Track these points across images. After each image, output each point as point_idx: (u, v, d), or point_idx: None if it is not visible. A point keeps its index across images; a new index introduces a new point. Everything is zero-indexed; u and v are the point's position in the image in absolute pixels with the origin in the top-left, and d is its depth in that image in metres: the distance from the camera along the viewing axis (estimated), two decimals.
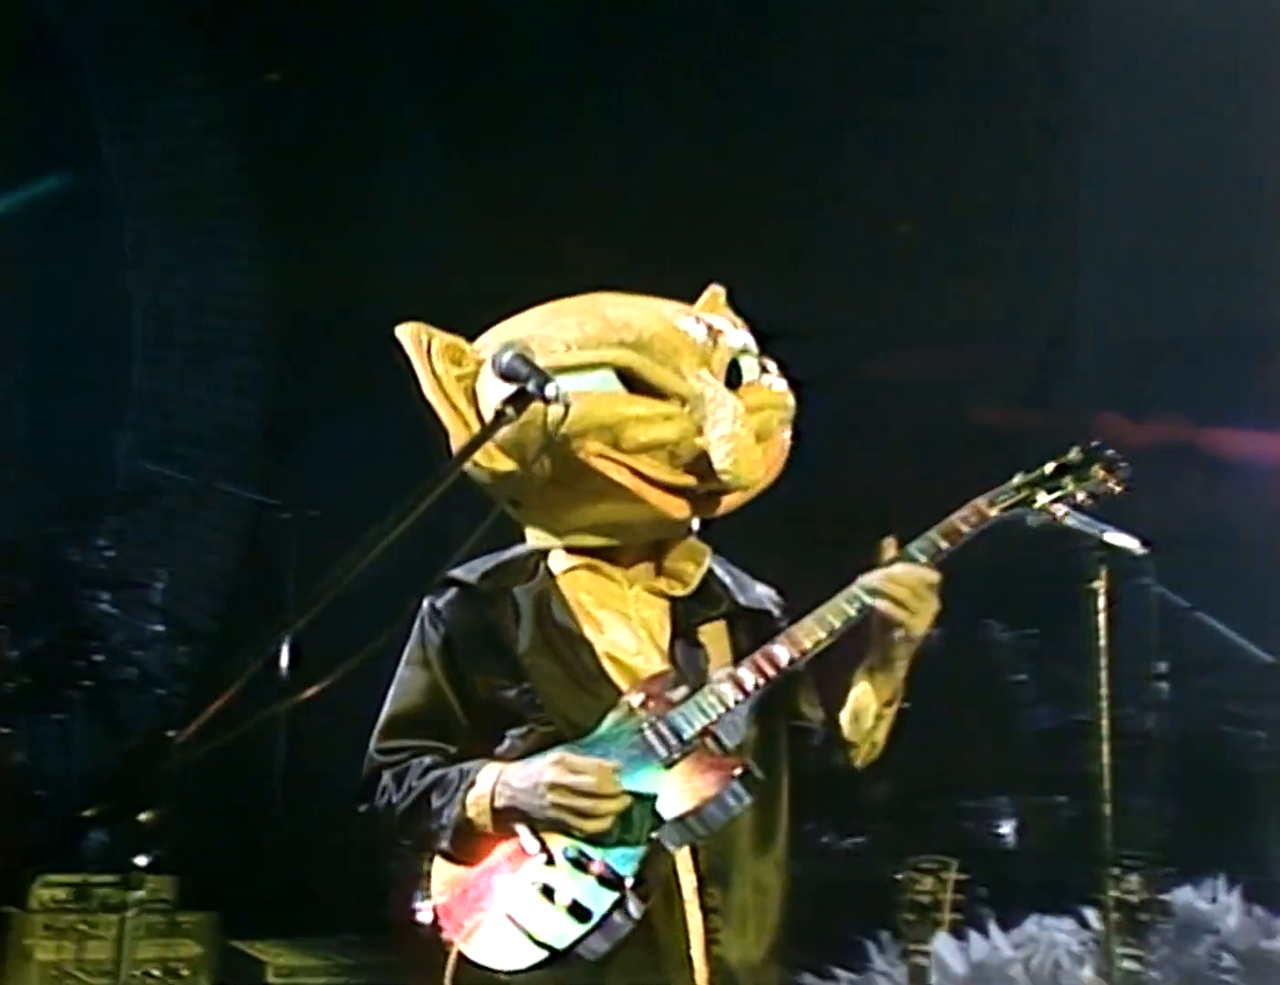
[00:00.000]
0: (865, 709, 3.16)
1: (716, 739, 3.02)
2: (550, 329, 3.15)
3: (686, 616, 3.16)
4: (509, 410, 2.88)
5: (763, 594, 3.31)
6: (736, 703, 3.02)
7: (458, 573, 3.17)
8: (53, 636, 6.59)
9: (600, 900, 2.94)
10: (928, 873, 3.50)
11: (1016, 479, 3.17)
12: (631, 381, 3.09)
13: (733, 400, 3.09)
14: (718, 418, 3.07)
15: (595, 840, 2.95)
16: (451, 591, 3.16)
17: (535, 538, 3.22)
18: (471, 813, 3.00)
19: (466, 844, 3.03)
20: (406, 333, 3.16)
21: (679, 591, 3.18)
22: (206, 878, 5.59)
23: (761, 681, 3.03)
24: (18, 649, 6.34)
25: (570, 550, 3.18)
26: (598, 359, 3.10)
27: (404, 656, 3.17)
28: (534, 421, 3.02)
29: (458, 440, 3.12)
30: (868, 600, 3.05)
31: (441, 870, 3.06)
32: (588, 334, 3.13)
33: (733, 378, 3.18)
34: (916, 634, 3.09)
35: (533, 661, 3.10)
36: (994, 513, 3.14)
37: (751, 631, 3.17)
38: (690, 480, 3.09)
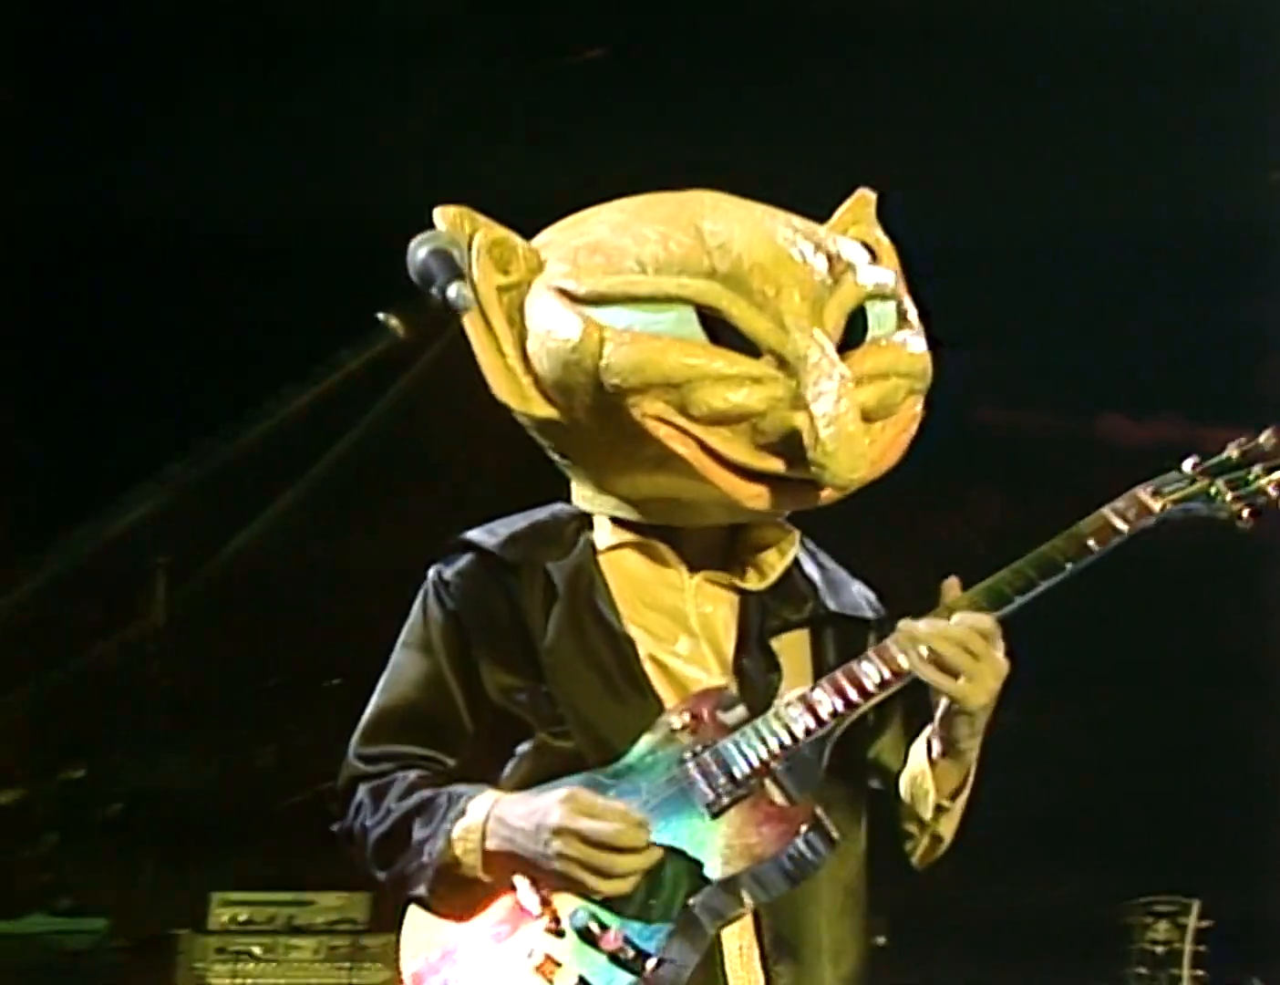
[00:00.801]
0: (923, 796, 2.46)
1: (778, 780, 2.33)
2: (626, 238, 2.45)
3: (760, 618, 2.48)
4: (392, 322, 2.08)
5: (860, 597, 2.59)
6: (807, 734, 2.33)
7: (475, 534, 2.51)
8: None
9: (612, 983, 2.28)
10: (1163, 916, 2.97)
11: (1188, 464, 2.44)
12: (716, 326, 2.39)
13: (840, 370, 2.37)
14: (820, 390, 2.35)
15: (613, 905, 2.29)
16: (466, 558, 2.50)
17: (582, 500, 2.54)
18: (458, 850, 2.33)
19: (451, 892, 2.36)
20: (445, 217, 2.44)
21: (753, 585, 2.51)
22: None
23: (842, 707, 2.33)
24: None
25: (620, 523, 2.50)
26: (677, 291, 2.38)
27: (401, 637, 2.52)
28: (581, 362, 2.36)
29: (490, 372, 2.43)
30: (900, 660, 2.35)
31: (417, 923, 2.41)
32: (670, 253, 2.41)
33: (856, 331, 2.46)
34: (972, 706, 2.34)
35: (557, 658, 2.43)
36: (1159, 505, 2.41)
37: (842, 645, 2.48)
38: (776, 464, 2.39)
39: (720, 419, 2.36)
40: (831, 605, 2.52)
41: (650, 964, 2.24)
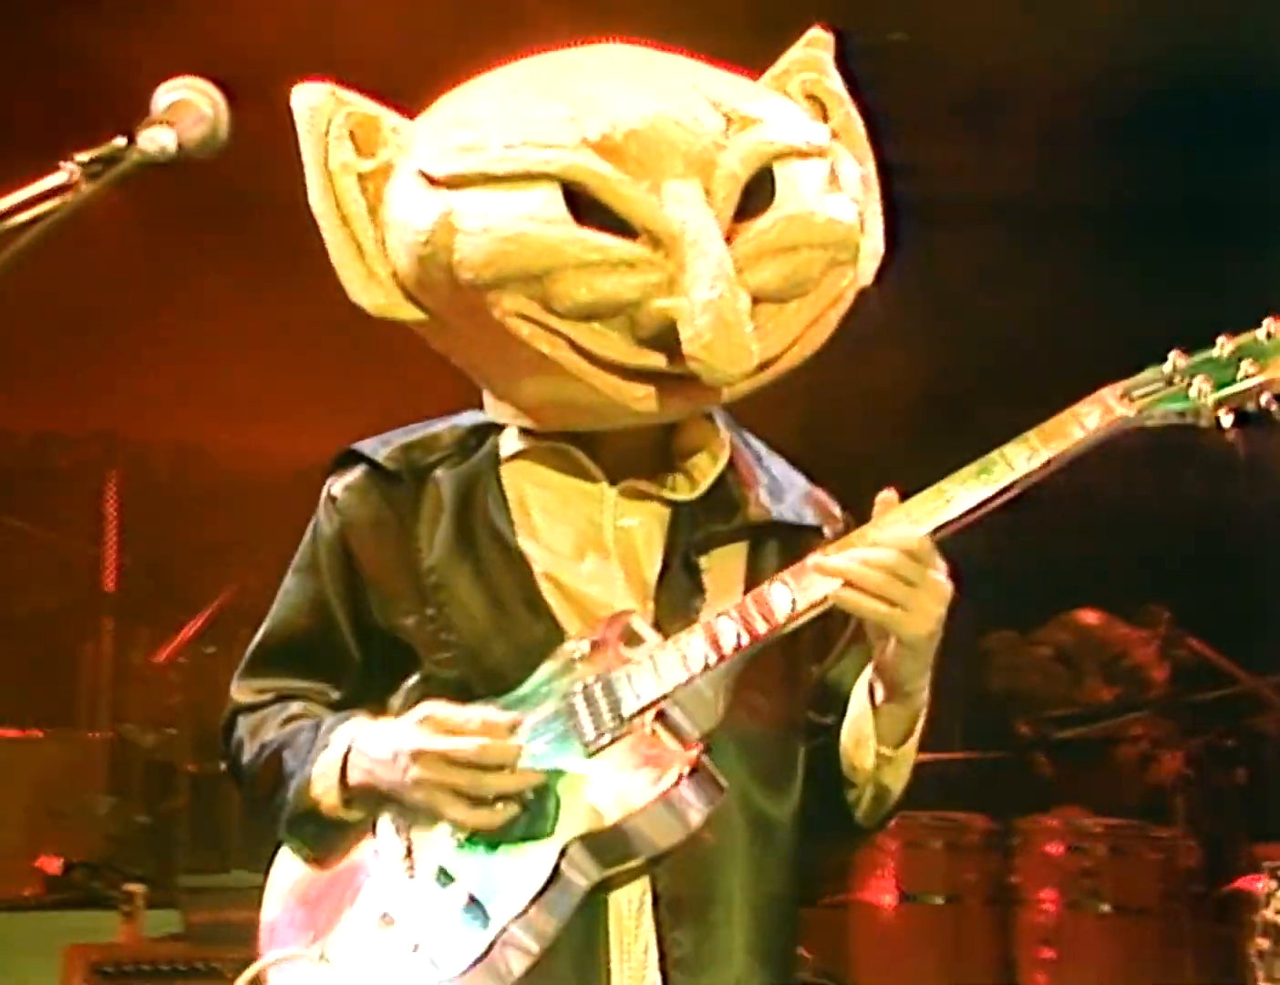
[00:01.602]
0: (864, 742, 2.14)
1: (667, 719, 2.03)
2: (497, 108, 2.17)
3: (688, 532, 2.18)
4: (74, 170, 1.72)
5: (811, 503, 2.26)
6: (705, 668, 2.03)
7: (365, 444, 2.27)
8: None
9: (459, 943, 2.00)
10: None
11: (1169, 362, 2.05)
12: (582, 204, 2.07)
13: (717, 247, 2.04)
14: (697, 271, 2.04)
15: (478, 853, 2.02)
16: (357, 471, 2.25)
17: (488, 406, 2.27)
18: (318, 789, 2.11)
19: (316, 835, 2.14)
20: (305, 97, 2.17)
21: (683, 496, 2.21)
22: None
23: (747, 640, 2.03)
24: None
25: (528, 431, 2.23)
26: (539, 166, 2.07)
27: (293, 562, 2.28)
28: (435, 256, 2.10)
29: (342, 270, 2.16)
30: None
31: (283, 868, 2.19)
32: (537, 123, 2.11)
33: (759, 198, 2.13)
34: (910, 637, 2.02)
35: (442, 576, 2.17)
36: (1127, 410, 2.03)
37: (785, 560, 2.14)
38: (658, 360, 2.09)
39: (588, 312, 2.07)
40: (773, 513, 2.20)
41: (508, 917, 1.96)
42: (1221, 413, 2.02)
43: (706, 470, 2.21)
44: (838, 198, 2.18)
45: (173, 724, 6.19)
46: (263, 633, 2.28)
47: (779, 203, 2.13)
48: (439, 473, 2.22)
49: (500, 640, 2.14)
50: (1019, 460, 2.02)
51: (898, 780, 2.15)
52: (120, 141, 1.77)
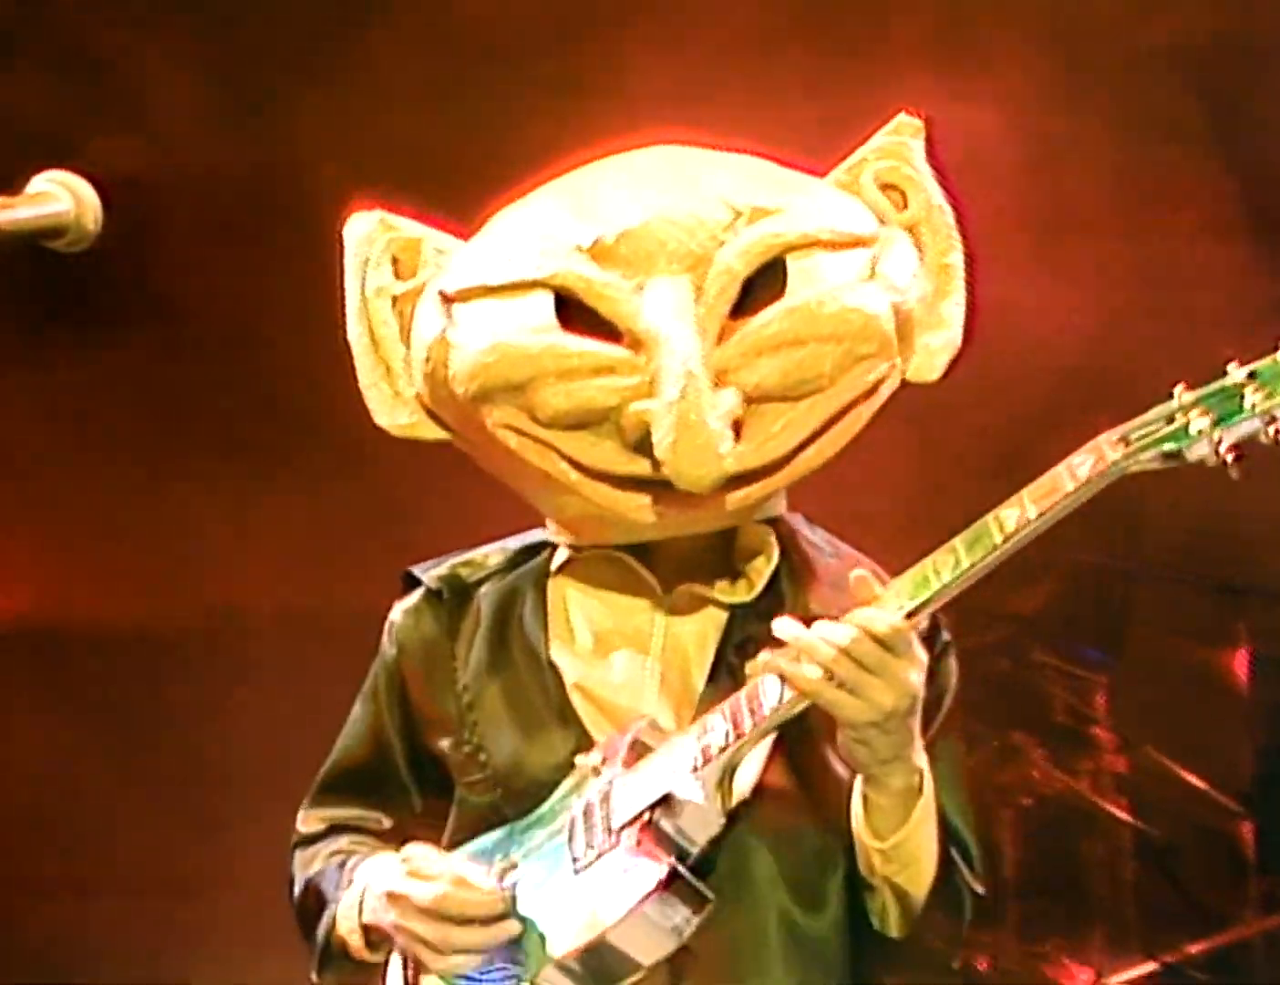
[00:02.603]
0: (859, 838, 2.01)
1: (657, 830, 1.92)
2: (514, 218, 2.18)
3: (739, 634, 2.09)
4: None
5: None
6: (695, 768, 1.94)
7: (421, 566, 2.25)
8: None
9: None
10: None
11: (1174, 398, 1.87)
12: (572, 310, 2.05)
13: (687, 346, 1.98)
14: (664, 371, 1.97)
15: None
16: (416, 594, 2.23)
17: (548, 524, 2.25)
18: (343, 929, 2.07)
19: (350, 973, 2.11)
20: (355, 227, 2.19)
21: (740, 598, 2.11)
22: None
23: (732, 738, 1.93)
24: None
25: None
26: (531, 274, 2.06)
27: (361, 690, 2.29)
28: (435, 373, 2.10)
29: (366, 392, 2.17)
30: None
31: None
32: (538, 232, 2.11)
33: (774, 293, 2.05)
34: (857, 723, 1.89)
35: (475, 695, 2.13)
36: (1118, 455, 1.86)
37: None
38: (644, 466, 2.02)
39: (573, 420, 2.02)
40: (814, 608, 2.04)
41: None
42: (1221, 449, 1.82)
43: (763, 569, 2.11)
44: (866, 288, 2.06)
45: None
46: (328, 762, 2.27)
47: (786, 295, 2.03)
48: (483, 590, 2.18)
49: (531, 758, 2.08)
50: (1010, 522, 1.87)
51: (910, 881, 1.99)
52: None
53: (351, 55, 4.51)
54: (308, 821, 2.24)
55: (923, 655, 1.92)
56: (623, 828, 1.94)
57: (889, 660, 1.87)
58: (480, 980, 1.98)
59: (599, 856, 1.95)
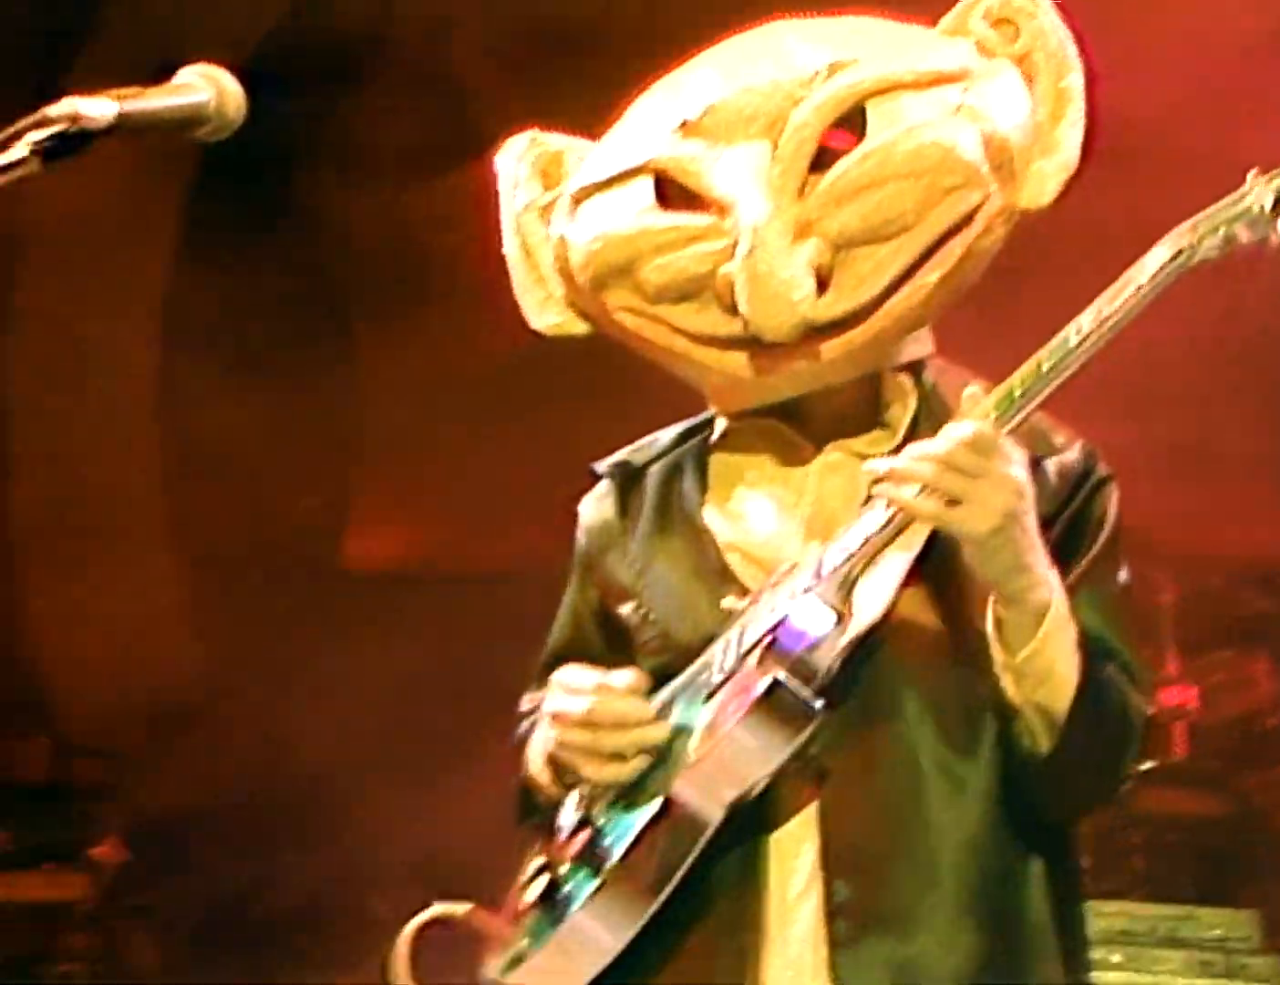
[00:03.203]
0: (995, 660, 2.07)
1: (777, 655, 2.02)
2: (627, 117, 2.26)
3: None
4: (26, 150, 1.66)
5: (1024, 434, 2.11)
6: (809, 589, 2.02)
7: (601, 463, 2.39)
8: None
9: (554, 895, 2.09)
10: None
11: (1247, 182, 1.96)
12: (672, 191, 2.13)
13: (756, 203, 2.05)
14: (739, 230, 2.05)
15: (629, 800, 2.09)
16: (600, 485, 2.36)
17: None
18: (534, 769, 2.20)
19: (538, 818, 2.22)
20: (507, 150, 2.31)
21: (882, 449, 2.16)
22: None
23: (841, 562, 2.02)
24: None
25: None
26: (631, 162, 2.16)
27: None
28: (563, 271, 2.21)
29: (520, 297, 2.29)
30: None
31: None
32: (642, 120, 2.21)
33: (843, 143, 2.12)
34: (975, 535, 1.96)
35: (643, 563, 2.25)
36: (1193, 240, 1.95)
37: None
38: (738, 327, 2.09)
39: (675, 292, 2.11)
40: None
41: (610, 863, 2.01)
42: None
43: (902, 420, 2.16)
44: (949, 122, 2.08)
45: None
46: (541, 657, 2.38)
47: (865, 140, 2.07)
48: (652, 470, 2.29)
49: (692, 616, 2.17)
50: (1086, 323, 1.94)
51: (1050, 697, 2.00)
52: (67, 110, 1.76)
53: None
54: (525, 703, 2.34)
55: (1019, 456, 1.96)
56: (747, 653, 2.03)
57: (985, 463, 1.91)
58: (632, 795, 2.07)
59: (726, 680, 2.04)
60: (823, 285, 2.07)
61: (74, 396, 5.39)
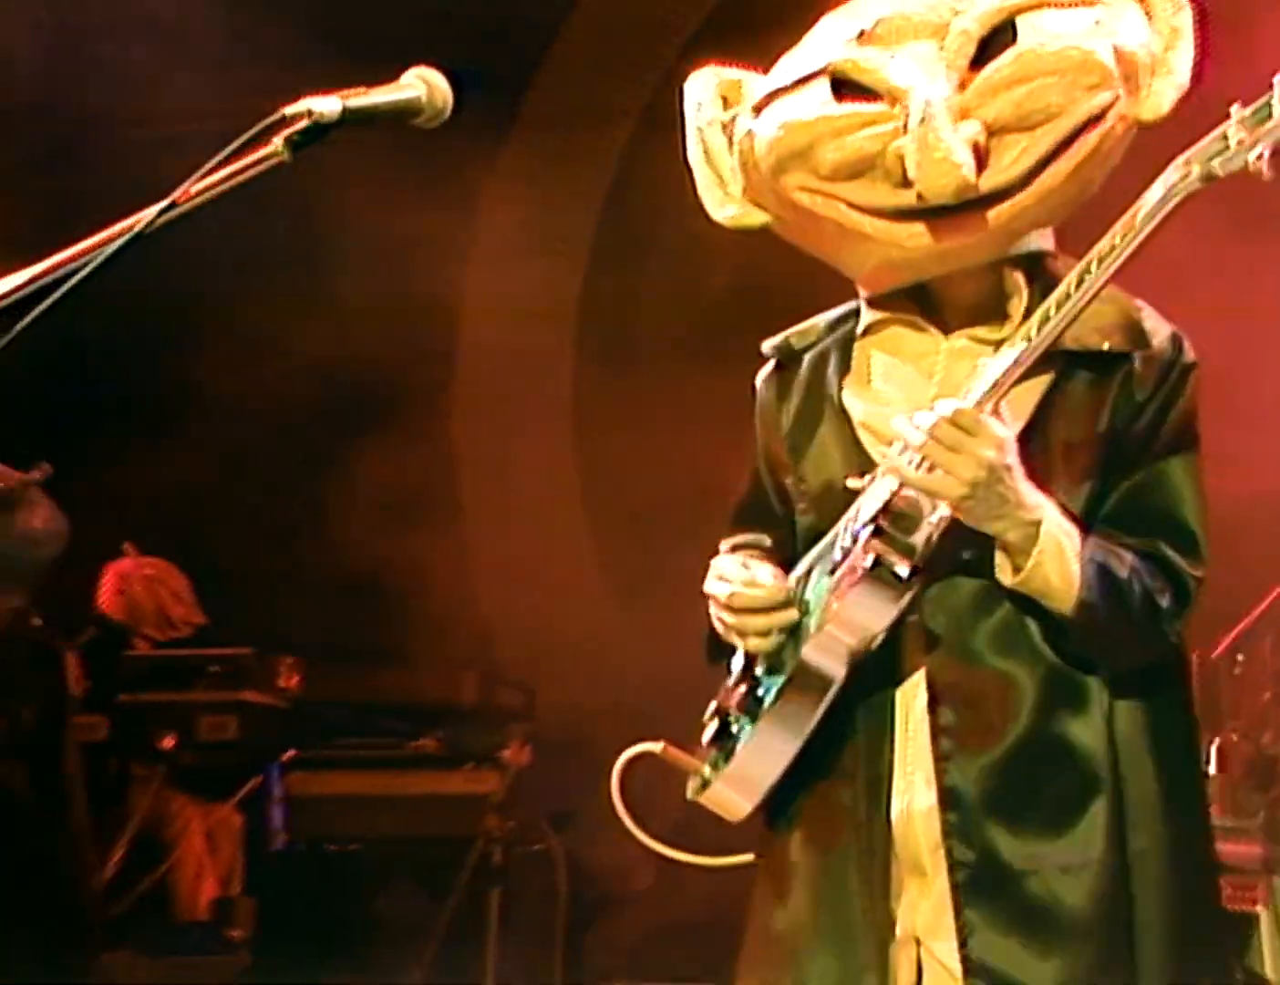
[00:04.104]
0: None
1: (883, 535, 2.30)
2: (809, 37, 2.53)
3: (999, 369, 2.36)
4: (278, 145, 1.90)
5: (1123, 327, 2.37)
6: (889, 498, 2.32)
7: (771, 340, 2.65)
8: None
9: (726, 734, 2.43)
10: None
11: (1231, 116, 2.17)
12: (844, 87, 2.38)
13: (927, 87, 2.29)
14: (911, 111, 2.28)
15: (775, 665, 2.42)
16: (766, 365, 2.65)
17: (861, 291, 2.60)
18: (713, 617, 2.51)
19: (723, 657, 2.56)
20: (694, 82, 2.60)
21: (1003, 335, 2.37)
22: None
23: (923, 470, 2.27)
24: None
25: (875, 303, 2.51)
26: (810, 67, 2.41)
27: None
28: (747, 164, 2.46)
29: (702, 194, 2.56)
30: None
31: None
32: (819, 35, 2.46)
33: (1002, 48, 2.36)
34: (948, 499, 2.25)
35: (795, 440, 2.52)
36: (1183, 174, 2.20)
37: (1093, 388, 2.35)
38: (909, 198, 2.31)
39: (848, 170, 2.35)
40: (1068, 343, 2.33)
41: (763, 712, 2.37)
42: (1251, 157, 2.11)
43: (1019, 307, 2.38)
44: (1086, 33, 2.34)
45: None
46: (732, 507, 2.70)
47: (1017, 45, 2.34)
48: (807, 356, 2.55)
49: (832, 487, 2.44)
50: (1103, 249, 2.22)
51: (1053, 601, 2.28)
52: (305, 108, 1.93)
53: None
54: (721, 545, 2.64)
55: (1002, 433, 2.22)
56: (858, 533, 2.32)
57: (962, 437, 2.19)
58: (779, 656, 2.40)
59: (844, 558, 2.33)
60: (980, 165, 2.29)
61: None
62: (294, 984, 4.80)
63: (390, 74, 1.98)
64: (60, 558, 4.30)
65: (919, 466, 2.25)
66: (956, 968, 2.32)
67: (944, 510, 2.28)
